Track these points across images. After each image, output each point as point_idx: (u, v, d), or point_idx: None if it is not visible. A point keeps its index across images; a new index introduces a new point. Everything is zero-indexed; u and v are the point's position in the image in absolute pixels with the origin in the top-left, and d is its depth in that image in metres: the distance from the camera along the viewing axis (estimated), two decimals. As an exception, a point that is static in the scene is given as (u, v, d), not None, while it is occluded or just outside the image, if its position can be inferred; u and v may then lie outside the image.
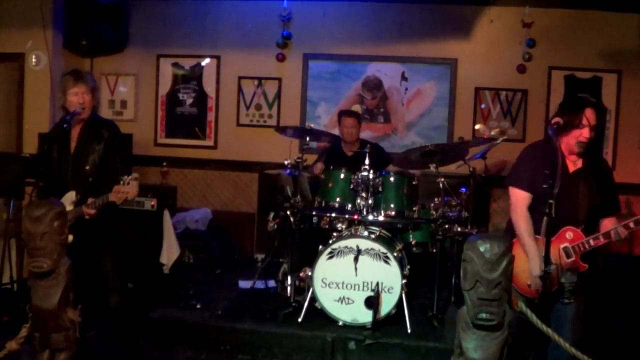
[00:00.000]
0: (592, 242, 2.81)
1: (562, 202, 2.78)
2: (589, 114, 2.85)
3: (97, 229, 3.35)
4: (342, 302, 3.88)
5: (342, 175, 4.24)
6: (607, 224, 2.88)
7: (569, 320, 2.88)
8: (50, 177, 3.43)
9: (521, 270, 2.86)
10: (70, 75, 3.35)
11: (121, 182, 3.19)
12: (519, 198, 2.93)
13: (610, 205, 2.94)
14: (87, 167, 3.35)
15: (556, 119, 2.87)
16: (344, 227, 4.21)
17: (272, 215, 4.62)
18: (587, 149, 2.91)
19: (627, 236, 2.81)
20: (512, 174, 3.05)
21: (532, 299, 2.86)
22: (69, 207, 3.25)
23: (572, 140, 2.86)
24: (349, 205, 4.17)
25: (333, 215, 4.21)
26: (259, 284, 4.67)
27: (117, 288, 3.44)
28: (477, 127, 5.79)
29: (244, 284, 4.79)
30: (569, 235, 2.85)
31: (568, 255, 2.87)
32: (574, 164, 2.93)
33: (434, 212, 4.20)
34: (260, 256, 5.79)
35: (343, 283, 3.88)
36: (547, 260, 2.64)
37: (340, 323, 3.86)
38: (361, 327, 3.81)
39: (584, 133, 2.84)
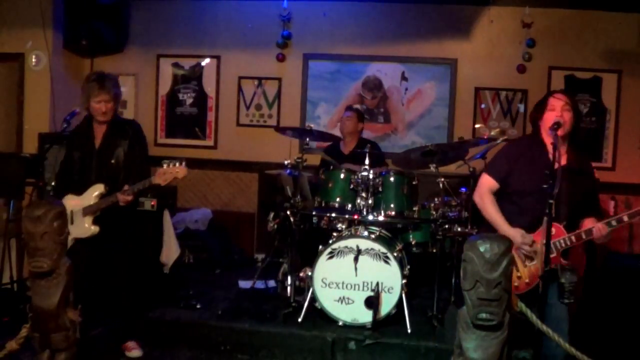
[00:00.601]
0: (573, 239, 2.81)
1: (545, 197, 2.79)
2: (553, 100, 2.89)
3: (121, 226, 3.51)
4: (342, 302, 3.88)
5: (342, 175, 4.24)
6: (588, 223, 2.89)
7: (555, 318, 2.85)
8: (68, 176, 3.54)
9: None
10: (96, 82, 3.44)
11: (164, 165, 3.31)
12: (485, 182, 2.99)
13: (591, 205, 2.94)
14: (113, 161, 3.49)
15: (556, 120, 2.87)
16: (344, 227, 4.21)
17: (272, 215, 4.62)
18: (573, 145, 2.92)
19: (609, 236, 2.82)
20: (489, 165, 3.11)
21: (517, 294, 2.86)
22: (93, 200, 3.40)
23: (547, 124, 2.88)
24: (349, 205, 4.17)
25: (333, 215, 4.21)
26: (259, 284, 4.67)
27: (130, 288, 3.56)
28: (477, 126, 5.79)
29: (244, 284, 4.79)
30: (552, 231, 2.83)
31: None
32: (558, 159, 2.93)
33: (434, 212, 4.20)
34: (260, 256, 5.79)
35: (343, 283, 3.88)
36: (547, 260, 2.64)
37: (340, 323, 3.86)
38: (361, 327, 3.81)
39: (549, 117, 2.87)
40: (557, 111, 2.86)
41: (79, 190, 3.48)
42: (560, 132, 2.84)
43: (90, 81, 3.45)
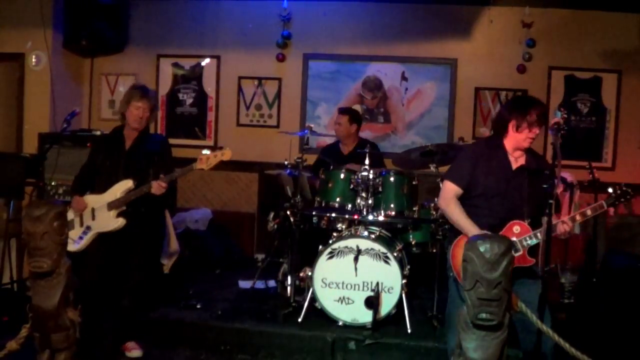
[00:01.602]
0: (539, 235, 2.82)
1: (509, 197, 2.89)
2: (535, 113, 2.90)
3: (144, 225, 3.64)
4: (342, 302, 3.88)
5: (342, 175, 4.24)
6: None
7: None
8: (88, 179, 3.69)
9: None
10: (139, 90, 3.65)
11: (203, 152, 3.52)
12: (449, 189, 3.01)
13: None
14: (141, 163, 3.61)
15: (556, 120, 2.87)
16: (344, 227, 4.21)
17: (272, 215, 4.62)
18: (560, 141, 2.94)
19: (572, 231, 2.85)
20: (450, 170, 3.11)
21: None
22: (119, 195, 3.52)
23: (522, 137, 2.91)
24: (349, 205, 4.17)
25: (333, 215, 4.21)
26: (259, 284, 4.67)
27: (135, 288, 3.62)
28: (482, 130, 5.80)
29: (244, 284, 4.79)
30: (516, 229, 2.87)
31: (515, 250, 2.85)
32: (516, 160, 2.98)
33: (434, 212, 4.20)
34: (260, 256, 5.79)
35: (343, 283, 3.88)
36: (547, 260, 2.64)
37: (340, 323, 3.86)
38: (361, 327, 3.81)
39: (534, 131, 2.89)
40: (536, 128, 2.89)
41: (101, 190, 3.58)
42: (527, 146, 2.94)
43: (134, 88, 3.67)
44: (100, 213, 3.57)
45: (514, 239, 2.86)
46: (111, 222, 3.54)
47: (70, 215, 3.58)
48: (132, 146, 3.65)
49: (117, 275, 3.58)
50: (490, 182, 2.93)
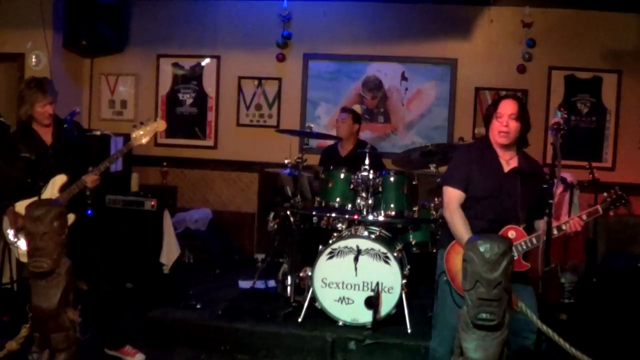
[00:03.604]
0: (534, 241, 2.80)
1: (500, 200, 2.86)
2: (503, 105, 2.88)
3: (85, 220, 3.49)
4: (342, 302, 3.88)
5: (342, 175, 4.24)
6: (542, 224, 2.86)
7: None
8: (13, 184, 3.47)
9: (459, 270, 2.87)
10: (37, 88, 3.47)
11: (137, 128, 3.46)
12: (452, 196, 2.95)
13: (543, 206, 2.91)
14: (68, 153, 3.50)
15: (556, 120, 2.87)
16: (344, 227, 4.21)
17: (272, 215, 4.62)
18: (519, 147, 2.94)
19: (581, 229, 2.81)
20: (446, 174, 3.09)
21: None
22: (57, 193, 3.37)
23: (494, 133, 2.90)
24: (349, 205, 4.16)
25: (333, 215, 4.21)
26: (259, 284, 4.67)
27: (106, 276, 3.54)
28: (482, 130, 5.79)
29: (244, 284, 4.79)
30: (512, 234, 2.83)
31: None
32: (507, 163, 2.93)
33: (434, 212, 4.20)
34: (260, 256, 5.79)
35: (343, 283, 3.88)
36: (547, 260, 2.64)
37: (340, 323, 3.86)
38: (361, 327, 3.81)
39: (501, 123, 2.86)
40: (503, 119, 2.86)
41: (35, 193, 3.38)
42: (503, 141, 2.87)
43: (31, 88, 3.46)
44: None
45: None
46: None
47: (8, 229, 3.40)
48: (55, 140, 3.49)
49: (84, 267, 3.44)
50: (482, 185, 2.89)
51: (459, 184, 2.94)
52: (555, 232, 2.79)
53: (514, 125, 2.86)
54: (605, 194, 2.84)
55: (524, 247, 2.81)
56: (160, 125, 3.51)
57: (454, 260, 2.87)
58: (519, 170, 2.90)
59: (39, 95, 3.43)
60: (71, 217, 3.38)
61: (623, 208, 2.85)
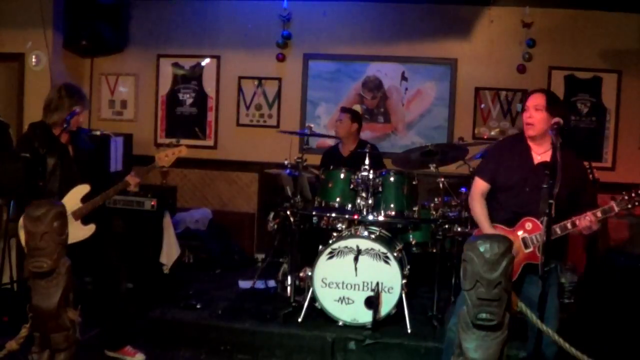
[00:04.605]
0: (558, 231, 2.80)
1: (524, 192, 2.90)
2: (530, 98, 2.97)
3: (99, 222, 3.48)
4: (342, 302, 3.88)
5: (342, 175, 4.24)
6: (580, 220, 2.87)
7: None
8: (34, 187, 3.42)
9: None
10: (85, 97, 3.58)
11: (162, 151, 3.57)
12: (477, 186, 3.08)
13: (581, 200, 2.91)
14: (89, 161, 3.55)
15: (556, 120, 2.87)
16: (344, 227, 4.21)
17: (272, 215, 4.62)
18: (560, 140, 2.90)
19: (593, 229, 2.79)
20: (478, 166, 3.24)
21: None
22: (79, 202, 3.38)
23: (523, 125, 2.98)
24: (349, 205, 4.17)
25: (333, 215, 4.21)
26: (259, 284, 4.67)
27: (125, 274, 3.62)
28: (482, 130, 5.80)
29: (244, 284, 4.79)
30: (528, 225, 2.89)
31: (526, 246, 2.89)
32: (540, 156, 2.97)
33: (434, 212, 4.20)
34: (260, 256, 5.79)
35: (343, 283, 3.88)
36: (547, 260, 2.64)
37: (340, 323, 3.86)
38: (361, 327, 3.81)
39: (526, 114, 2.95)
40: (528, 111, 2.93)
41: (48, 197, 3.32)
42: (530, 132, 2.94)
43: (73, 96, 3.44)
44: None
45: (525, 235, 2.87)
46: (80, 231, 3.36)
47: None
48: (76, 147, 3.52)
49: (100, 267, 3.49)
50: (508, 177, 2.96)
51: (485, 175, 3.05)
52: (569, 226, 2.80)
53: (539, 117, 2.90)
54: (623, 193, 2.80)
55: (538, 239, 2.82)
56: (183, 150, 3.63)
57: None
58: (549, 164, 2.87)
59: (82, 103, 3.49)
60: (92, 228, 3.43)
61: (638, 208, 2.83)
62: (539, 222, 2.84)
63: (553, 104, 2.91)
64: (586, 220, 2.76)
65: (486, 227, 2.95)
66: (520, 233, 2.90)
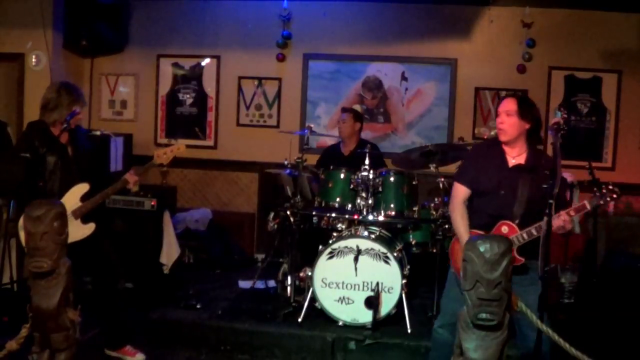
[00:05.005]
0: (525, 236, 2.82)
1: (500, 196, 2.91)
2: (501, 103, 3.00)
3: (98, 221, 3.48)
4: (342, 302, 3.88)
5: (342, 175, 4.24)
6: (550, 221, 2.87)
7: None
8: (33, 185, 3.41)
9: (459, 258, 2.94)
10: (82, 96, 3.56)
11: (160, 148, 3.57)
12: (459, 192, 3.07)
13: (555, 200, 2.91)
14: (88, 161, 3.55)
15: (556, 120, 2.87)
16: (344, 227, 4.22)
17: (272, 215, 4.62)
18: (530, 144, 2.98)
19: (567, 227, 2.79)
20: (457, 172, 3.21)
21: None
22: (79, 201, 3.37)
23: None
24: (349, 205, 4.17)
25: (333, 215, 4.21)
26: (259, 284, 4.67)
27: (122, 273, 3.65)
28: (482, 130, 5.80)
29: (244, 284, 4.80)
30: (504, 229, 2.88)
31: None
32: (515, 159, 2.99)
33: (434, 212, 4.20)
34: (260, 256, 5.79)
35: (343, 283, 3.88)
36: (547, 260, 2.64)
37: (340, 323, 3.86)
38: (361, 327, 3.82)
39: (497, 120, 2.99)
40: (500, 117, 2.97)
41: (48, 196, 3.30)
42: (501, 137, 2.97)
43: (71, 94, 3.43)
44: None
45: None
46: (80, 230, 3.34)
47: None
48: (75, 147, 3.50)
49: (97, 265, 3.48)
50: (485, 180, 2.97)
51: (465, 180, 3.05)
52: (533, 232, 2.81)
53: (510, 122, 2.93)
54: (594, 190, 2.84)
55: (517, 241, 2.83)
56: (181, 147, 3.66)
57: (456, 253, 2.99)
58: (524, 166, 2.94)
59: (81, 102, 3.48)
60: (92, 227, 3.42)
61: (613, 203, 2.84)
62: (514, 225, 2.86)
63: (524, 109, 2.93)
64: (560, 220, 2.76)
65: (464, 238, 2.92)
66: None
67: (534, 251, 2.72)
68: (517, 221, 2.87)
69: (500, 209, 2.90)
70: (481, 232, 2.92)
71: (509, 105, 2.95)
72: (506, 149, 3.00)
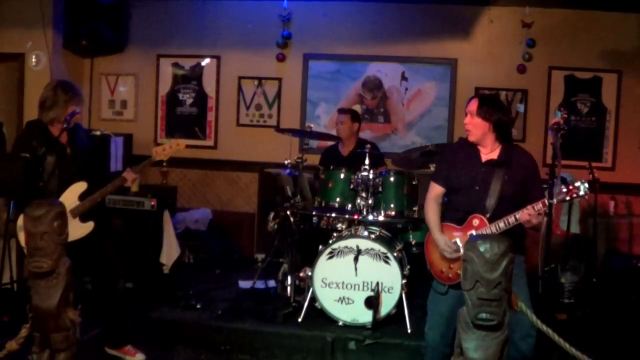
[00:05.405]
0: (493, 229, 2.86)
1: (474, 190, 2.96)
2: (467, 105, 3.07)
3: (97, 220, 3.48)
4: (342, 302, 3.88)
5: (342, 175, 4.24)
6: (523, 215, 2.88)
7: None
8: (33, 185, 3.42)
9: (435, 258, 3.06)
10: (80, 94, 3.56)
11: (160, 145, 3.56)
12: (432, 190, 3.17)
13: (529, 196, 2.91)
14: (86, 159, 3.55)
15: (556, 120, 2.88)
16: (344, 227, 4.21)
17: (272, 215, 4.62)
18: (502, 141, 3.01)
19: (536, 223, 2.79)
20: (434, 171, 3.33)
21: (444, 284, 3.02)
22: (77, 200, 3.37)
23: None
24: (349, 205, 4.17)
25: (333, 215, 4.21)
26: (259, 284, 4.67)
27: (122, 272, 3.59)
28: None
29: (244, 284, 4.80)
30: (475, 222, 2.94)
31: None
32: (487, 155, 3.03)
33: (434, 212, 4.19)
34: (260, 256, 5.79)
35: (343, 283, 3.88)
36: (547, 260, 2.64)
37: (340, 323, 3.86)
38: (361, 327, 3.81)
39: (465, 120, 3.06)
40: (466, 117, 3.04)
41: (47, 196, 3.32)
42: (469, 137, 3.03)
43: (67, 92, 3.44)
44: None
45: (473, 232, 2.92)
46: (79, 229, 3.34)
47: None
48: (74, 146, 3.50)
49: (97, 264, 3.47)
50: (459, 178, 3.03)
51: (440, 179, 3.13)
52: (511, 221, 2.84)
53: (474, 122, 3.00)
54: (562, 186, 2.82)
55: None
56: (180, 144, 3.64)
57: (430, 249, 3.10)
58: (496, 161, 2.98)
59: (79, 100, 3.48)
60: (90, 226, 3.42)
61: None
62: (484, 219, 2.91)
63: (483, 109, 2.97)
64: (525, 214, 2.81)
65: (435, 232, 3.04)
66: (470, 232, 2.93)
67: (516, 246, 2.73)
68: (488, 215, 2.92)
69: (475, 204, 2.95)
70: (453, 225, 3.01)
71: (472, 105, 3.02)
72: (480, 147, 3.05)
